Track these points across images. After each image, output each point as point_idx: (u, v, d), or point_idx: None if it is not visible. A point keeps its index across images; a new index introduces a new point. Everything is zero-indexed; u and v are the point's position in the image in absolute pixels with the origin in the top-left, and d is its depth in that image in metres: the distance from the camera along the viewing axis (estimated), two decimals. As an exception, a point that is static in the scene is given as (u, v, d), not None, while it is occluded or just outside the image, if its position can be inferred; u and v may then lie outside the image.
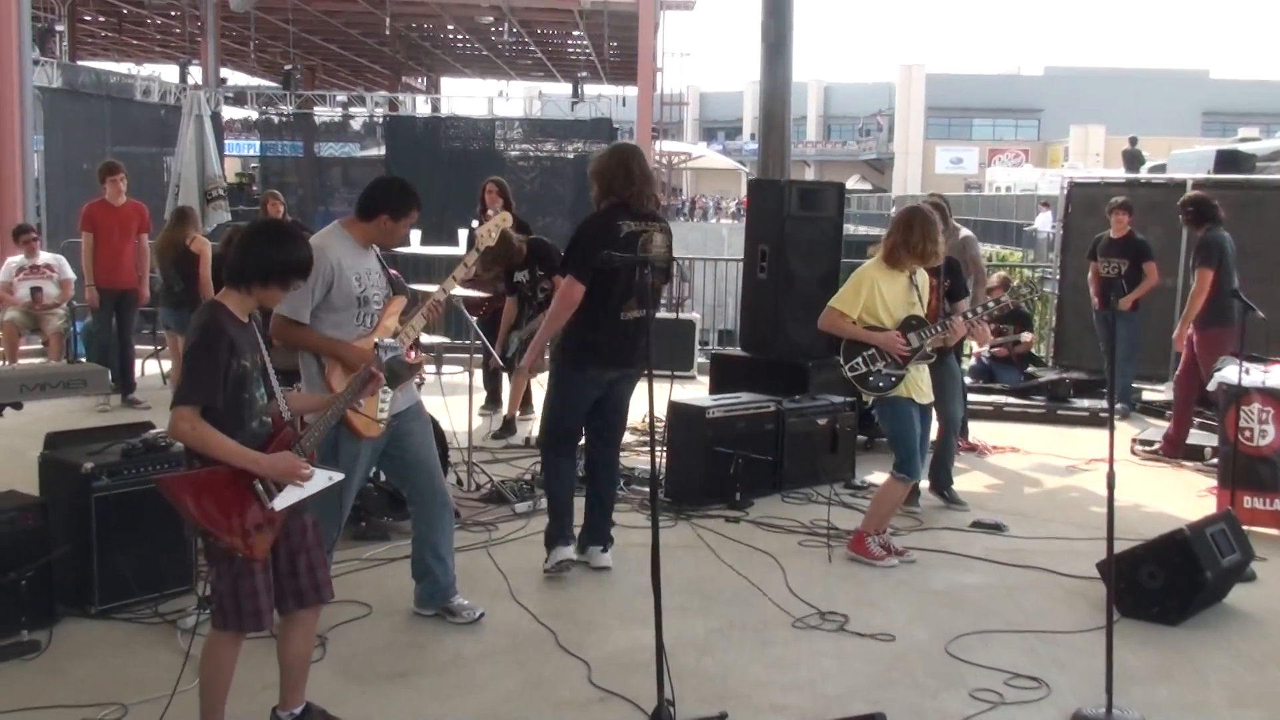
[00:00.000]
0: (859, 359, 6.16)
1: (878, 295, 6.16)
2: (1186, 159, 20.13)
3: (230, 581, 3.76)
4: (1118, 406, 10.10)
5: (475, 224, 5.59)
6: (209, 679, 3.89)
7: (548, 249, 8.83)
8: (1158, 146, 32.67)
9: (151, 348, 11.80)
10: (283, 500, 3.78)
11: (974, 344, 11.04)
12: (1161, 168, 20.09)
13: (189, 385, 3.68)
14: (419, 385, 6.24)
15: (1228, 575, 5.67)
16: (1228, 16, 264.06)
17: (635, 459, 8.41)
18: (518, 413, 9.41)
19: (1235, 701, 4.71)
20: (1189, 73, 74.79)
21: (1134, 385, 10.87)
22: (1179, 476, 8.58)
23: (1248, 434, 6.99)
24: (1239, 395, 7.00)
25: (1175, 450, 9.05)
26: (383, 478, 6.49)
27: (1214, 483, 7.61)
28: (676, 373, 11.13)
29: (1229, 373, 7.26)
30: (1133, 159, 24.77)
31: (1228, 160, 14.67)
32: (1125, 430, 9.55)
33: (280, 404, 3.98)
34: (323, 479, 3.90)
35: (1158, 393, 10.97)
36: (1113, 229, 10.33)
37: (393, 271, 5.17)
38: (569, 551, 5.99)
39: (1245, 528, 6.12)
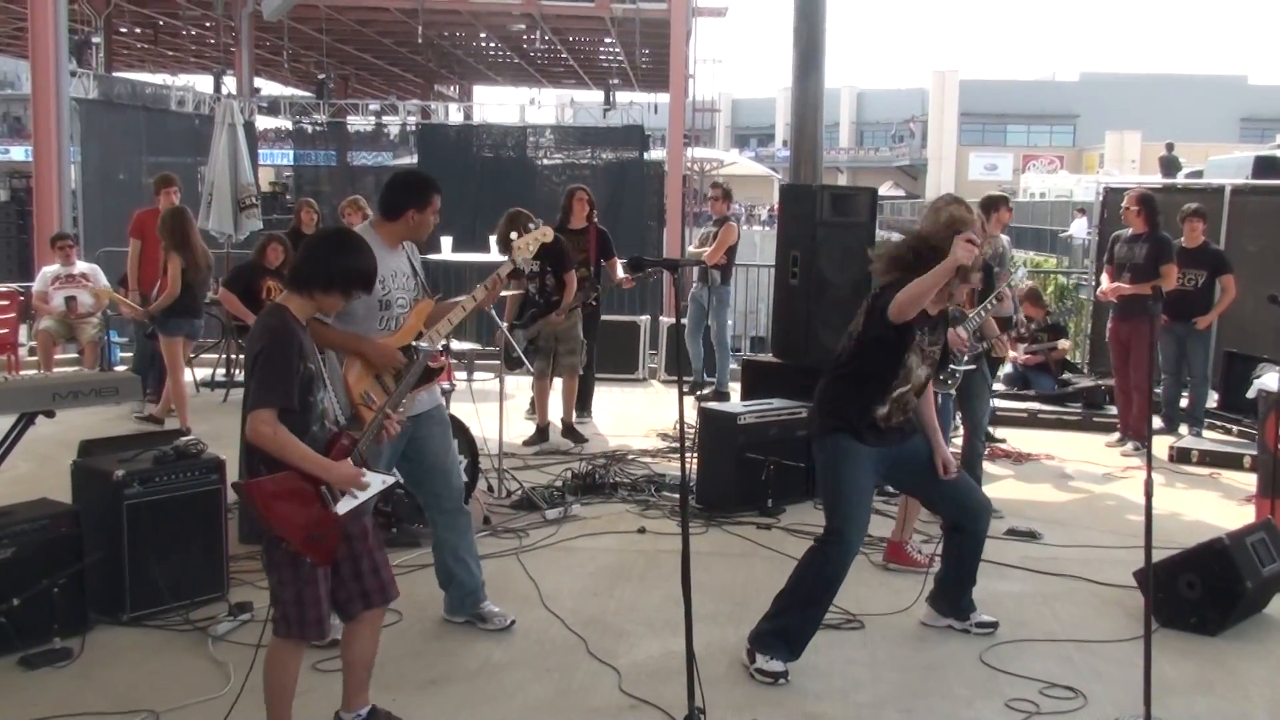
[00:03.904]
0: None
1: None
2: (1224, 165, 19.94)
3: (294, 589, 3.79)
4: (1188, 427, 9.86)
5: (513, 235, 5.55)
6: (274, 687, 3.91)
7: (563, 249, 8.70)
8: (1195, 153, 32.32)
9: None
10: (345, 505, 3.81)
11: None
12: (1199, 174, 19.89)
13: (267, 388, 3.70)
14: (448, 392, 6.24)
15: (1268, 585, 5.58)
16: (1267, 22, 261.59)
17: (666, 465, 8.39)
18: (574, 416, 9.35)
19: (1277, 714, 4.64)
20: (1227, 78, 73.98)
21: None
22: (1218, 485, 8.47)
23: (1288, 441, 6.88)
24: (1279, 403, 6.90)
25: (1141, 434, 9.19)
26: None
27: (1253, 491, 7.51)
28: (706, 378, 11.13)
29: (1269, 380, 7.16)
30: (1169, 165, 24.54)
31: (1266, 166, 14.53)
32: (1164, 439, 9.43)
33: (335, 409, 4.02)
34: (378, 483, 3.94)
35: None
36: (1185, 238, 9.63)
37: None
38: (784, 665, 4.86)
39: (1286, 536, 6.03)
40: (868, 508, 4.96)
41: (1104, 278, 9.67)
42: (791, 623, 4.84)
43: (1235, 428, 9.94)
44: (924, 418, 5.16)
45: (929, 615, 5.46)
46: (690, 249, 11.29)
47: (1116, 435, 9.71)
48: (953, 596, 5.39)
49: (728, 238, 10.91)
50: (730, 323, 11.82)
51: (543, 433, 9.17)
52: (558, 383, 9.23)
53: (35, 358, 11.31)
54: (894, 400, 4.88)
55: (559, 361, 9.02)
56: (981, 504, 5.27)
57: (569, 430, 9.15)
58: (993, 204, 9.12)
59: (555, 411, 9.35)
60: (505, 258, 5.57)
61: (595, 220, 9.67)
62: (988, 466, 8.23)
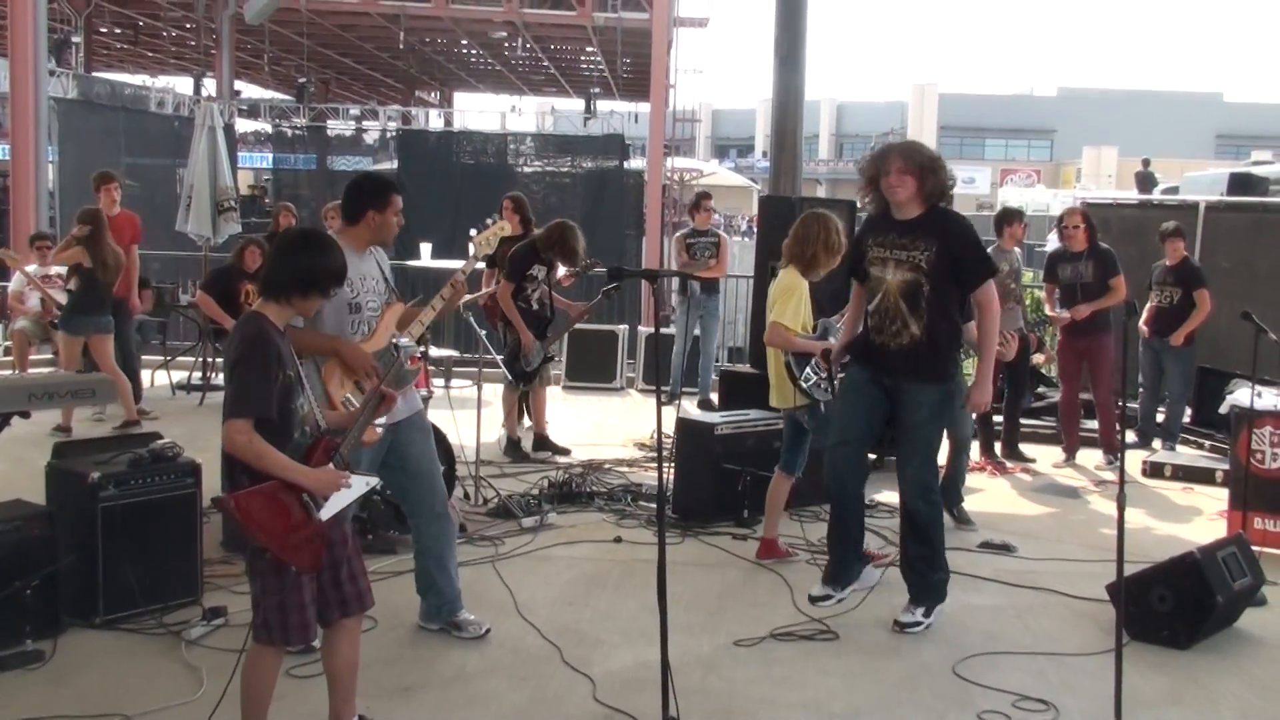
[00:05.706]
0: (808, 369, 6.21)
1: (804, 305, 6.34)
2: (1199, 181, 20.08)
3: (277, 597, 3.76)
4: (1163, 443, 9.83)
5: (473, 231, 5.59)
6: (252, 695, 3.89)
7: (571, 258, 8.70)
8: (1171, 169, 32.59)
9: (161, 358, 11.81)
10: (328, 510, 3.79)
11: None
12: (1174, 190, 20.03)
13: (243, 397, 3.67)
14: (426, 399, 6.23)
15: (1239, 599, 5.63)
16: (1243, 40, 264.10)
17: (643, 475, 8.39)
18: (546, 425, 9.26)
19: (1245, 727, 4.68)
20: (1203, 95, 74.62)
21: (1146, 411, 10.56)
22: (1191, 499, 8.53)
23: (1259, 456, 6.95)
24: (1251, 418, 6.97)
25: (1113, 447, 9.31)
26: (388, 492, 6.45)
27: (1225, 505, 7.57)
28: (685, 389, 11.14)
29: (1241, 396, 7.23)
30: (1145, 181, 24.71)
31: (1241, 183, 14.61)
32: (1138, 453, 9.49)
33: (315, 414, 4.01)
34: (361, 485, 3.92)
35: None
36: (1167, 256, 9.70)
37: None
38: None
39: (1256, 549, 6.09)
40: (848, 420, 5.67)
41: (1045, 298, 9.76)
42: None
43: (1208, 443, 10.01)
44: (982, 336, 5.62)
45: (905, 609, 5.63)
46: (684, 263, 11.11)
47: (1063, 456, 9.55)
48: (916, 573, 5.66)
49: (728, 249, 11.09)
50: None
51: (544, 442, 9.12)
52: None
53: (10, 358, 11.24)
54: (873, 316, 5.53)
55: (543, 373, 8.94)
56: (909, 479, 5.58)
57: (544, 441, 9.09)
58: (1006, 218, 9.17)
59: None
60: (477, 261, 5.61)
61: (532, 227, 9.37)
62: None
